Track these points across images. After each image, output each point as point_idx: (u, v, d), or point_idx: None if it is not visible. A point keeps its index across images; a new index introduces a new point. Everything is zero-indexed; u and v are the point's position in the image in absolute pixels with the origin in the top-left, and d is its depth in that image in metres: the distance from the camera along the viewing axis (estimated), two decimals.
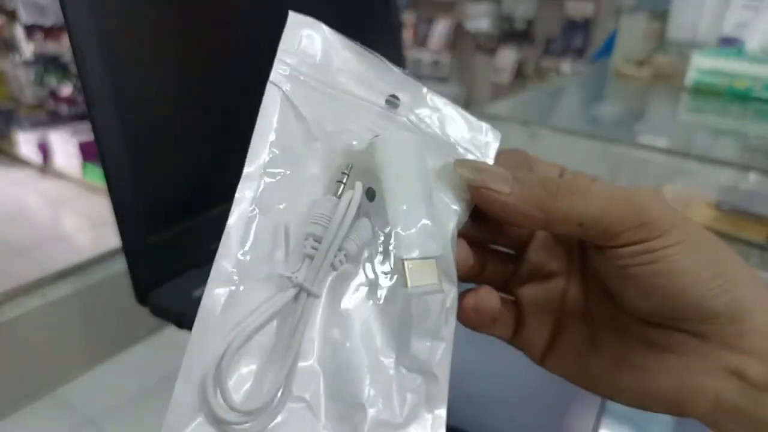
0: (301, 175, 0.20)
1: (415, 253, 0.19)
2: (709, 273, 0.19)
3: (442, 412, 0.20)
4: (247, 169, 0.20)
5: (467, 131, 0.23)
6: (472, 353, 0.34)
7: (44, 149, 2.70)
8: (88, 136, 2.51)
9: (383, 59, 0.22)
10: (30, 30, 2.68)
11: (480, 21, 3.04)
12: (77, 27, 0.33)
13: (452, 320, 0.21)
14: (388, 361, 0.20)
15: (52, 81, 2.78)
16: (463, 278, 0.22)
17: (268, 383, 0.18)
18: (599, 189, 0.20)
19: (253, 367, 0.18)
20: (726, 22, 1.19)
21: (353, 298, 0.20)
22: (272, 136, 0.20)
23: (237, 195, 0.19)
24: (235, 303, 0.18)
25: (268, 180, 0.20)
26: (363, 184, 0.20)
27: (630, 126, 1.04)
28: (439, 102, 0.23)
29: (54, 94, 2.81)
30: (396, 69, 0.22)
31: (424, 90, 0.23)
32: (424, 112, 0.23)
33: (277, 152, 0.20)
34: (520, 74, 3.01)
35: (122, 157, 0.36)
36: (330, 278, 0.20)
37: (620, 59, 1.30)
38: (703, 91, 1.11)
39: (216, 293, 0.18)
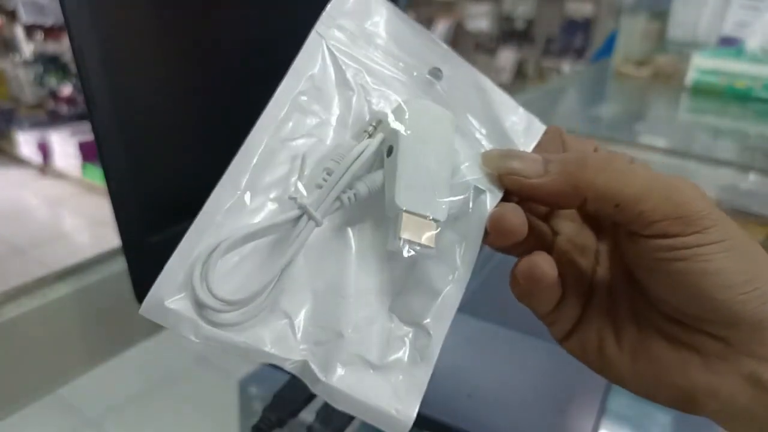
0: (330, 119, 0.21)
1: (416, 208, 0.20)
2: (742, 278, 0.19)
3: (423, 372, 0.20)
4: (278, 94, 0.21)
5: (507, 115, 0.23)
6: (473, 353, 0.34)
7: (44, 149, 2.70)
8: (88, 136, 2.51)
9: (431, 33, 0.22)
10: (30, 30, 2.68)
11: (480, 21, 3.04)
12: (77, 27, 0.33)
13: (459, 289, 0.21)
14: (379, 304, 0.20)
15: (51, 81, 2.78)
16: (507, 248, 0.22)
17: (254, 285, 0.19)
18: (638, 170, 0.20)
19: (244, 269, 0.19)
20: (726, 22, 1.19)
21: (358, 237, 0.21)
22: (309, 74, 0.21)
23: (264, 114, 0.20)
24: (240, 209, 0.19)
25: (297, 111, 0.20)
26: (385, 138, 0.21)
27: (630, 126, 1.04)
28: (484, 83, 0.23)
29: (54, 94, 2.81)
30: (443, 44, 0.23)
31: (470, 69, 0.23)
32: (466, 89, 0.23)
33: (312, 88, 0.21)
34: (520, 74, 3.01)
35: (122, 157, 0.36)
36: (337, 213, 0.20)
37: (620, 59, 1.30)
38: (703, 91, 1.11)
39: (224, 194, 0.20)
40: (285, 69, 0.51)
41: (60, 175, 2.69)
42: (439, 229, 0.20)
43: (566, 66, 2.81)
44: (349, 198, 0.20)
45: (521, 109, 0.24)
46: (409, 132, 0.20)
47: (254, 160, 0.20)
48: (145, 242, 0.38)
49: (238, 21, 0.44)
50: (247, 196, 0.20)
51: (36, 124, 2.77)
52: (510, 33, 3.00)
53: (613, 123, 1.06)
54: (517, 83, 2.97)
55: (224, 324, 0.19)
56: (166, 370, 1.31)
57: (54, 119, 2.79)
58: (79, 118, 2.74)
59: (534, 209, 0.24)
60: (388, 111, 0.21)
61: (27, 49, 2.70)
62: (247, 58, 0.45)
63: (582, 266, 0.23)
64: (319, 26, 0.22)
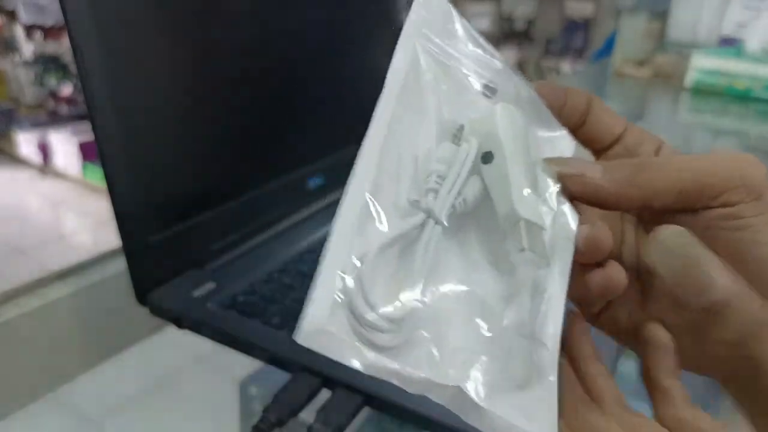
0: (424, 119, 0.21)
1: (532, 217, 0.19)
2: None
3: (552, 387, 0.19)
4: (384, 97, 0.20)
5: (549, 133, 0.23)
6: None
7: (44, 149, 2.70)
8: (88, 136, 2.51)
9: (488, 44, 0.23)
10: (30, 30, 2.68)
11: (480, 21, 3.04)
12: (77, 26, 0.33)
13: (562, 301, 0.20)
14: (497, 317, 0.20)
15: (52, 81, 2.78)
16: None
17: (402, 300, 0.18)
18: (692, 157, 0.20)
19: (380, 283, 0.18)
20: (726, 22, 1.19)
21: (466, 245, 0.20)
22: (404, 73, 0.21)
23: (375, 116, 0.20)
24: (369, 220, 0.18)
25: (398, 109, 0.20)
26: (479, 143, 0.21)
27: None
28: (533, 97, 0.23)
29: (54, 94, 2.81)
30: (499, 57, 0.23)
31: (520, 82, 0.23)
32: (517, 104, 0.23)
33: (408, 86, 0.20)
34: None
35: (122, 157, 0.36)
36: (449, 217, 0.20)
37: (620, 59, 1.30)
38: (703, 91, 1.11)
39: (355, 203, 0.18)
40: (284, 69, 0.51)
41: (60, 175, 2.69)
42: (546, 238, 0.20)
43: (566, 66, 2.81)
44: (460, 203, 0.19)
45: (564, 131, 0.24)
46: (509, 138, 0.20)
47: (374, 168, 0.19)
48: (145, 242, 0.38)
49: (238, 21, 0.44)
50: (373, 206, 0.19)
51: (36, 125, 2.77)
52: (510, 33, 3.00)
53: None
54: None
55: (385, 347, 0.17)
56: (166, 370, 1.32)
57: (54, 119, 2.79)
58: (79, 118, 2.74)
59: None
60: (478, 115, 0.21)
61: (27, 49, 2.70)
62: (247, 58, 0.45)
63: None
64: (406, 29, 0.21)
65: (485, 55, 0.22)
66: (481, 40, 0.23)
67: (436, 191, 0.19)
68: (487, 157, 0.21)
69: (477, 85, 0.22)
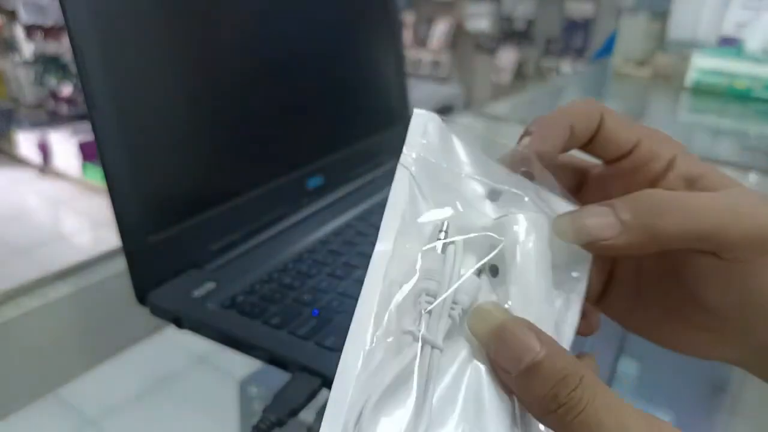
0: (412, 243, 0.21)
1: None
2: None
3: None
4: (380, 245, 0.20)
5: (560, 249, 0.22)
6: None
7: (44, 149, 2.70)
8: (88, 136, 2.51)
9: (488, 157, 0.23)
10: (30, 30, 2.68)
11: (480, 21, 3.04)
12: (77, 27, 0.33)
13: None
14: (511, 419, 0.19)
15: (52, 81, 2.78)
16: None
17: None
18: (714, 200, 0.19)
19: (385, 426, 0.17)
20: (726, 22, 1.19)
21: (470, 346, 0.20)
22: (401, 213, 0.21)
23: (372, 266, 0.19)
24: (369, 360, 0.18)
25: (397, 244, 0.20)
26: (481, 260, 0.20)
27: None
28: (539, 190, 0.23)
29: (54, 94, 2.81)
30: (502, 167, 0.23)
31: (528, 197, 0.22)
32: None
33: (404, 225, 0.21)
34: (520, 74, 3.01)
35: (122, 157, 0.36)
36: (447, 329, 0.19)
37: (620, 59, 1.30)
38: (703, 91, 1.11)
39: (354, 353, 0.18)
40: (283, 70, 0.51)
41: (60, 175, 2.69)
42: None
43: (566, 66, 2.81)
44: (458, 313, 0.19)
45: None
46: (517, 253, 0.20)
47: (374, 312, 0.19)
48: (145, 242, 0.38)
49: (238, 22, 0.44)
50: (373, 347, 0.18)
51: (36, 124, 2.77)
52: (510, 33, 3.00)
53: None
54: (517, 83, 2.97)
55: None
56: (166, 370, 1.32)
57: (54, 119, 2.79)
58: (79, 118, 2.74)
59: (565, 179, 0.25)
60: (483, 227, 0.21)
61: (27, 49, 2.70)
62: (247, 58, 0.45)
63: None
64: (403, 158, 0.21)
65: (486, 163, 0.23)
66: (479, 152, 0.23)
67: (429, 312, 0.19)
68: (492, 270, 0.21)
69: (480, 190, 0.22)
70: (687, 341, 0.22)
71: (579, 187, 0.26)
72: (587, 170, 0.26)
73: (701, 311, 0.21)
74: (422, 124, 0.22)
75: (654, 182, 0.23)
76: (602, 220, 0.20)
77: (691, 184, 0.22)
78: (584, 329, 0.23)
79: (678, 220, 0.19)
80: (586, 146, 0.23)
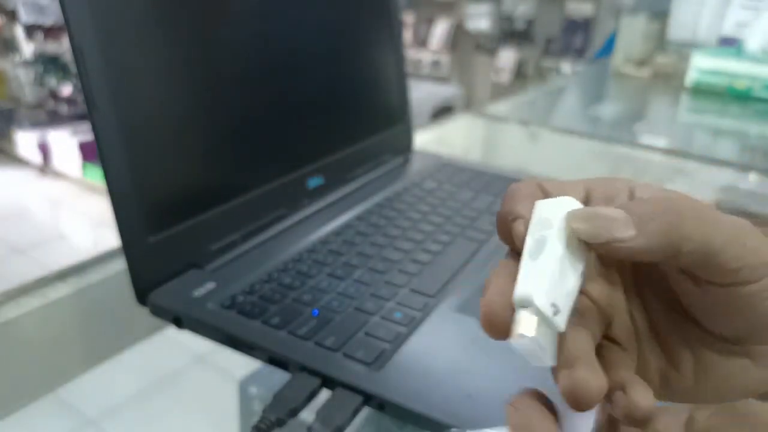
0: None
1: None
2: None
3: None
4: None
5: None
6: (473, 353, 0.34)
7: (44, 149, 2.70)
8: (88, 136, 2.51)
9: None
10: (30, 30, 2.68)
11: (480, 21, 3.04)
12: (77, 26, 0.33)
13: None
14: None
15: (52, 81, 2.78)
16: None
17: None
18: (722, 217, 0.19)
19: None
20: (726, 22, 1.19)
21: None
22: None
23: None
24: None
25: None
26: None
27: (630, 126, 1.04)
28: None
29: (54, 94, 2.81)
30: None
31: None
32: None
33: None
34: (520, 74, 3.01)
35: (122, 157, 0.36)
36: None
37: (620, 59, 1.31)
38: (703, 91, 1.12)
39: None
40: (283, 70, 0.51)
41: (60, 175, 2.69)
42: None
43: (566, 66, 2.81)
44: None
45: None
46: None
47: None
48: (146, 242, 0.38)
49: (238, 22, 0.44)
50: None
51: (36, 124, 2.77)
52: (510, 33, 3.00)
53: (613, 123, 1.06)
54: (517, 83, 2.97)
55: None
56: (166, 370, 1.32)
57: (54, 119, 2.80)
58: (79, 118, 2.74)
59: None
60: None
61: (27, 49, 2.70)
62: (247, 59, 0.45)
63: (622, 319, 0.22)
64: None
65: None
66: None
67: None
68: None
69: None
70: (729, 375, 0.21)
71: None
72: None
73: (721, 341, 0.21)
74: None
75: None
76: (620, 221, 0.19)
77: None
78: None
79: (699, 228, 0.18)
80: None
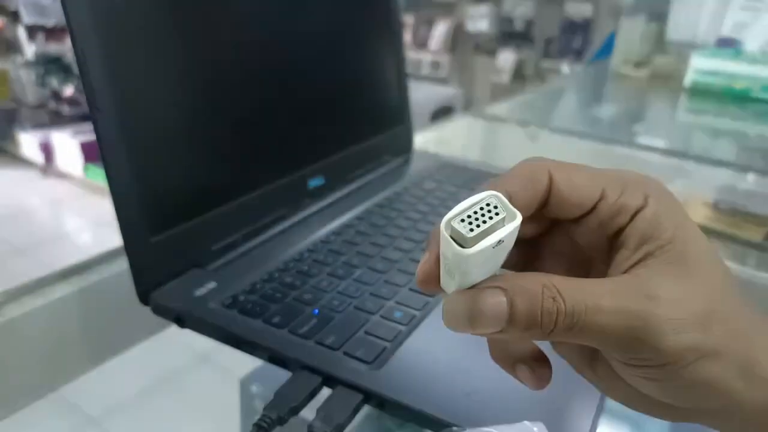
0: None
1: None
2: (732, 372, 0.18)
3: None
4: None
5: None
6: (470, 350, 0.34)
7: (46, 149, 2.70)
8: (90, 137, 2.51)
9: None
10: (32, 30, 2.68)
11: (479, 22, 3.04)
12: (79, 27, 0.34)
13: None
14: None
15: (53, 81, 2.78)
16: None
17: None
18: (608, 305, 0.18)
19: None
20: (725, 23, 1.19)
21: None
22: None
23: None
24: None
25: None
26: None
27: (629, 126, 1.04)
28: None
29: (56, 95, 2.81)
30: None
31: None
32: None
33: None
34: (519, 75, 3.02)
35: (124, 157, 0.36)
36: None
37: (619, 60, 1.31)
38: (702, 92, 1.12)
39: None
40: (284, 71, 0.51)
41: (62, 176, 2.70)
42: None
43: (565, 67, 2.81)
44: None
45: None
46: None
47: None
48: (147, 242, 0.38)
49: (238, 22, 0.45)
50: None
51: (38, 125, 2.78)
52: (509, 34, 3.00)
53: (612, 124, 1.06)
54: (516, 84, 2.97)
55: None
56: (168, 369, 1.32)
57: (56, 120, 2.80)
58: (81, 118, 2.75)
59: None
60: None
61: (29, 49, 2.71)
62: (248, 59, 0.46)
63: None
64: None
65: None
66: None
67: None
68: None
69: None
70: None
71: (548, 229, 0.23)
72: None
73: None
74: None
75: (615, 238, 0.21)
76: (493, 314, 0.18)
77: (643, 242, 0.20)
78: (535, 383, 0.22)
79: (566, 330, 0.18)
80: (542, 210, 0.21)
